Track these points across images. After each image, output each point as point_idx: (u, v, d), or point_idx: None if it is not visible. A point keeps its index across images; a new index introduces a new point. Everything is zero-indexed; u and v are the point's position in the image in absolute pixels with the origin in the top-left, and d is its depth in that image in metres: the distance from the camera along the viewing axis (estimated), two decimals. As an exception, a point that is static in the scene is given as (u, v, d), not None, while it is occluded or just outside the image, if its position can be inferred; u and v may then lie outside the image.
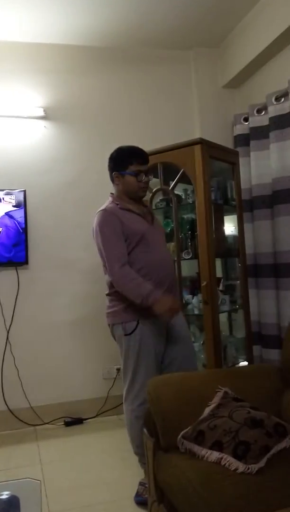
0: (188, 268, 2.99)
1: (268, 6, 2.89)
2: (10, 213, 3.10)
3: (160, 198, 3.01)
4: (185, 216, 3.03)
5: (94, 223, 2.21)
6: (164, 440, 1.71)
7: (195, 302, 2.85)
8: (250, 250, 3.11)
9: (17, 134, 3.24)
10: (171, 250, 2.95)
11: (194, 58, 3.55)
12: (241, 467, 1.45)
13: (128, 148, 2.25)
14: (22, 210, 3.11)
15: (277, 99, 2.90)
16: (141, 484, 2.15)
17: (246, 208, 3.11)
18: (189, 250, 2.87)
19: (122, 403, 3.29)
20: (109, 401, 3.29)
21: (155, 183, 2.99)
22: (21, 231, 3.12)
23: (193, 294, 2.90)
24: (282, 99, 2.88)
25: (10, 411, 3.11)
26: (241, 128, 3.26)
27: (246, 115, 3.22)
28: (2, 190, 3.09)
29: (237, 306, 2.99)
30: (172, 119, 3.50)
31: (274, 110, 2.91)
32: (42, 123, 3.28)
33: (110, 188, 3.32)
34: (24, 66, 3.26)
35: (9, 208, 3.10)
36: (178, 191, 2.90)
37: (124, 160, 2.20)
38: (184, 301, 2.85)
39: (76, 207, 3.34)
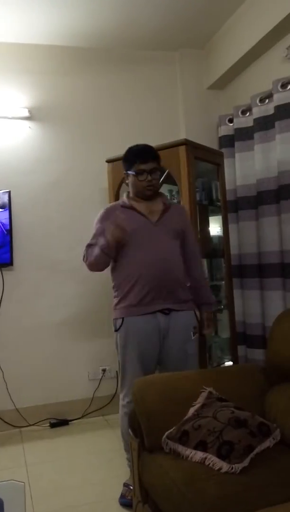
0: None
1: (252, 8, 2.91)
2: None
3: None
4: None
5: None
6: (149, 441, 1.72)
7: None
8: (235, 250, 3.13)
9: (2, 134, 3.21)
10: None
11: (180, 59, 3.56)
12: (225, 466, 1.46)
13: (135, 147, 2.27)
14: (7, 212, 3.09)
15: (262, 100, 2.93)
16: (125, 485, 2.15)
17: (231, 208, 3.14)
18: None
19: (107, 404, 3.32)
20: (94, 402, 3.29)
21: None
22: (6, 232, 3.09)
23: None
24: (267, 101, 2.90)
25: (-5, 413, 3.09)
26: (226, 129, 3.29)
27: (231, 116, 3.24)
28: (-14, 190, 3.07)
29: (222, 307, 3.01)
30: (158, 120, 3.50)
31: (259, 111, 2.94)
32: (27, 123, 3.26)
33: (94, 188, 3.35)
34: (9, 67, 3.23)
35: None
36: (164, 191, 2.91)
37: (130, 160, 2.23)
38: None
39: (60, 207, 3.33)
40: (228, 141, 3.26)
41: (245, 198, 3.10)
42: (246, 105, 3.08)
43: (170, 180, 2.78)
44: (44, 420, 3.16)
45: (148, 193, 2.21)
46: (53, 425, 3.16)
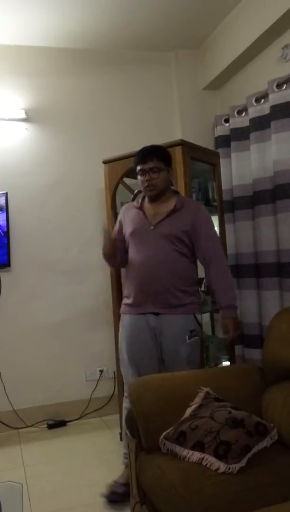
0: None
1: (247, 8, 2.92)
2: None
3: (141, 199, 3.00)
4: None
5: None
6: (146, 441, 1.72)
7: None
8: (231, 250, 3.13)
9: (-2, 136, 3.22)
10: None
11: (175, 60, 3.56)
12: (222, 467, 1.46)
13: (142, 148, 2.28)
14: (4, 214, 3.09)
15: (257, 100, 2.93)
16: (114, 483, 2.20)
17: (227, 208, 3.14)
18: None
19: (105, 405, 3.33)
20: (92, 403, 3.29)
21: (137, 184, 3.00)
22: (3, 234, 3.09)
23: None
24: (262, 101, 2.91)
25: (-8, 414, 3.09)
26: (222, 129, 3.29)
27: (226, 117, 3.24)
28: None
29: (219, 306, 3.01)
30: (154, 120, 3.50)
31: (254, 111, 2.94)
32: (24, 125, 3.26)
33: (91, 189, 3.36)
34: (5, 68, 3.23)
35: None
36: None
37: (134, 161, 2.25)
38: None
39: (58, 209, 3.33)
40: (224, 141, 3.26)
41: (241, 198, 3.10)
42: (242, 105, 3.08)
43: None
44: (41, 421, 3.16)
45: (149, 193, 2.21)
46: (50, 426, 3.15)
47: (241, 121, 3.11)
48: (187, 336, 2.18)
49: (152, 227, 2.20)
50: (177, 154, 2.61)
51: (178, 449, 1.61)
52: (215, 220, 3.06)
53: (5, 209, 3.09)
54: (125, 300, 2.30)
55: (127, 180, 2.97)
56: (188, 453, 1.57)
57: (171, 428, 1.68)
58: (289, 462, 1.51)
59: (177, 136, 3.37)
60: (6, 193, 3.10)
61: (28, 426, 3.13)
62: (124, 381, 2.34)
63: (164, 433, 1.67)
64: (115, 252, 2.25)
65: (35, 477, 2.43)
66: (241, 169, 3.10)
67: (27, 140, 3.28)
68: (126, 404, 2.21)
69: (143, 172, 2.17)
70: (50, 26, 3.07)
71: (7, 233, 3.10)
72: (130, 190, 2.96)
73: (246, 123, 3.04)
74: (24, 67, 3.27)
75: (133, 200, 2.62)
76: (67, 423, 3.20)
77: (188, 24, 3.18)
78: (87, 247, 3.28)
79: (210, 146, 3.34)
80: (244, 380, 1.96)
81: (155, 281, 2.17)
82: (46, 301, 3.28)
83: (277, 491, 1.36)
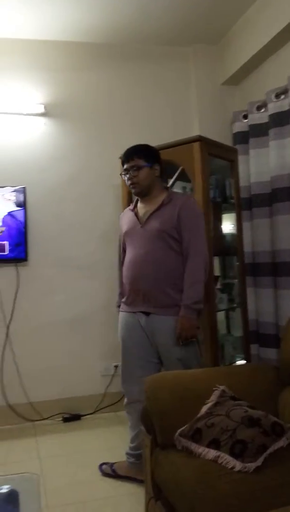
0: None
1: (268, 2, 2.87)
2: (12, 213, 3.10)
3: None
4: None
5: None
6: (161, 438, 1.73)
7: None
8: (248, 248, 3.11)
9: (17, 131, 3.24)
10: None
11: (194, 55, 3.53)
12: (238, 465, 1.46)
13: None
14: (23, 210, 3.11)
15: (277, 96, 2.90)
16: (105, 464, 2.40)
17: (244, 206, 3.12)
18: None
19: (119, 400, 3.34)
20: (106, 398, 3.31)
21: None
22: (22, 230, 3.12)
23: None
24: (282, 96, 2.87)
25: (9, 406, 3.13)
26: (240, 126, 3.26)
27: (245, 112, 3.21)
28: (3, 187, 3.09)
29: (235, 305, 3.00)
30: (171, 116, 3.49)
31: (274, 107, 2.91)
32: (42, 120, 3.27)
33: (108, 185, 3.36)
34: (24, 63, 3.25)
35: (11, 207, 3.10)
36: (177, 188, 2.90)
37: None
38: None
39: (74, 204, 3.34)
40: (242, 138, 3.24)
41: (259, 196, 3.07)
42: (261, 101, 3.05)
43: (183, 176, 2.77)
44: (57, 414, 3.19)
45: (134, 191, 2.29)
46: (65, 420, 3.19)
47: (260, 117, 3.08)
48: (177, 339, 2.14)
49: (140, 226, 2.25)
50: (195, 150, 2.59)
51: (193, 446, 1.61)
52: (232, 217, 3.05)
53: (24, 204, 3.12)
54: (123, 298, 2.37)
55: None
56: (204, 450, 1.57)
57: (186, 425, 1.68)
58: (306, 462, 1.51)
59: (195, 131, 3.35)
60: (25, 188, 3.13)
61: (43, 419, 3.16)
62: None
63: (179, 430, 1.67)
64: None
65: (50, 470, 2.46)
66: (259, 166, 3.07)
67: (45, 135, 3.30)
68: (127, 401, 2.33)
69: (126, 171, 2.25)
70: (69, 20, 3.07)
71: (25, 228, 3.13)
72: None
73: (265, 119, 3.01)
74: (42, 62, 3.29)
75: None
76: (82, 417, 3.23)
77: (207, 18, 3.15)
78: (103, 242, 3.30)
79: (228, 142, 3.31)
80: (259, 379, 1.95)
81: (143, 280, 2.19)
82: (63, 296, 3.30)
83: (293, 491, 1.35)
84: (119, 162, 2.95)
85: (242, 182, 3.08)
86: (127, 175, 2.26)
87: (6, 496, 1.41)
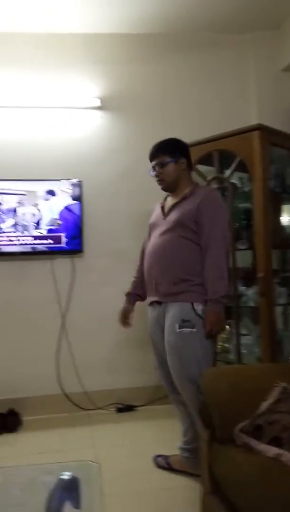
0: (242, 258, 2.92)
1: None
2: (69, 206, 3.15)
3: (215, 186, 2.95)
4: (240, 205, 2.95)
5: None
6: (221, 432, 1.69)
7: (250, 294, 2.78)
8: (308, 241, 2.99)
9: (74, 125, 3.29)
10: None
11: (252, 42, 3.42)
12: (301, 464, 1.40)
13: None
14: (79, 203, 3.16)
15: None
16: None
17: (305, 197, 3.00)
18: (245, 240, 2.81)
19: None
20: (159, 390, 3.29)
21: (210, 171, 2.94)
22: (79, 223, 3.17)
23: (247, 285, 2.84)
24: None
25: (65, 395, 3.20)
26: (302, 113, 3.13)
27: (307, 99, 3.08)
28: (59, 180, 3.15)
29: (294, 299, 2.90)
30: (227, 105, 3.41)
31: None
32: (98, 113, 3.30)
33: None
34: (81, 57, 3.29)
35: (68, 201, 3.15)
36: (234, 179, 2.84)
37: None
38: (238, 293, 2.79)
39: (129, 197, 3.35)
40: (303, 126, 3.10)
41: None
42: None
43: (240, 167, 2.70)
44: (111, 404, 3.23)
45: (161, 187, 2.30)
46: (119, 410, 3.22)
47: None
48: (177, 325, 2.10)
49: (163, 218, 2.25)
50: (255, 139, 2.53)
51: (253, 442, 1.56)
52: (290, 209, 2.94)
53: (80, 198, 3.16)
54: (138, 289, 2.47)
55: (200, 167, 2.92)
56: (265, 447, 1.52)
57: (246, 421, 1.63)
58: None
59: (253, 120, 3.22)
60: (81, 181, 3.17)
61: (98, 408, 3.21)
62: None
63: (239, 426, 1.63)
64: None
65: (106, 459, 2.47)
66: None
67: (101, 129, 3.32)
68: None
69: (153, 169, 2.28)
70: (124, 12, 3.07)
71: (81, 222, 3.17)
72: (203, 177, 2.91)
73: None
74: (99, 55, 3.31)
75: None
76: (135, 408, 3.25)
77: (265, 3, 3.04)
78: (157, 235, 3.28)
79: (288, 130, 3.18)
80: None
81: (156, 268, 2.21)
82: (116, 288, 3.30)
83: None
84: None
85: (303, 172, 2.96)
86: (154, 172, 2.28)
87: (68, 482, 1.44)
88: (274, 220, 2.87)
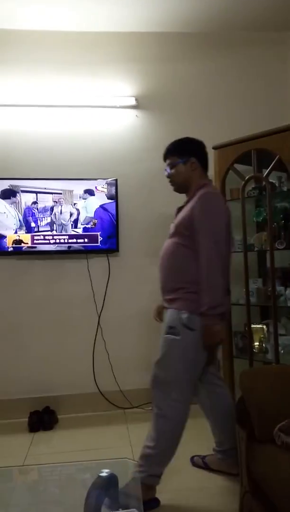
0: (281, 258, 2.87)
1: None
2: (104, 205, 3.19)
3: (252, 186, 2.92)
4: (278, 205, 2.91)
5: None
6: (260, 432, 1.68)
7: (288, 294, 2.74)
8: None
9: (110, 124, 3.32)
10: (263, 239, 2.86)
11: (290, 39, 3.38)
12: None
13: None
14: (114, 203, 3.19)
15: None
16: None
17: None
18: (283, 240, 2.76)
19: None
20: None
21: (247, 170, 2.91)
22: (114, 222, 3.20)
23: (286, 285, 2.79)
24: None
25: (101, 393, 3.24)
26: None
27: None
28: (96, 179, 3.19)
29: None
30: (267, 104, 3.37)
31: None
32: (134, 112, 3.33)
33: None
34: (117, 56, 3.32)
35: (103, 200, 3.19)
36: (271, 178, 2.80)
37: None
38: (276, 293, 2.75)
39: (164, 196, 3.32)
40: None
41: None
42: None
43: (278, 166, 2.66)
44: (146, 403, 3.24)
45: (173, 189, 2.27)
46: (154, 409, 3.22)
47: None
48: (165, 330, 2.08)
49: (173, 222, 2.22)
50: (294, 138, 2.48)
51: (294, 442, 1.54)
52: None
53: (115, 196, 3.19)
54: None
55: (238, 167, 2.90)
56: (306, 448, 1.50)
57: (286, 421, 1.61)
58: None
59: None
60: (116, 180, 3.20)
61: (133, 407, 3.23)
62: None
63: (279, 425, 1.61)
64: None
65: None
66: None
67: (137, 127, 3.35)
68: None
69: (165, 170, 2.25)
70: (162, 11, 3.09)
71: (116, 221, 3.20)
72: (241, 176, 2.88)
73: None
74: (135, 54, 3.34)
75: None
76: (170, 408, 3.24)
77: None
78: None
79: None
80: None
81: (160, 275, 2.18)
82: (151, 287, 3.30)
83: None
84: (212, 152, 2.93)
85: None
86: (166, 173, 2.26)
87: (107, 479, 1.43)
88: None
